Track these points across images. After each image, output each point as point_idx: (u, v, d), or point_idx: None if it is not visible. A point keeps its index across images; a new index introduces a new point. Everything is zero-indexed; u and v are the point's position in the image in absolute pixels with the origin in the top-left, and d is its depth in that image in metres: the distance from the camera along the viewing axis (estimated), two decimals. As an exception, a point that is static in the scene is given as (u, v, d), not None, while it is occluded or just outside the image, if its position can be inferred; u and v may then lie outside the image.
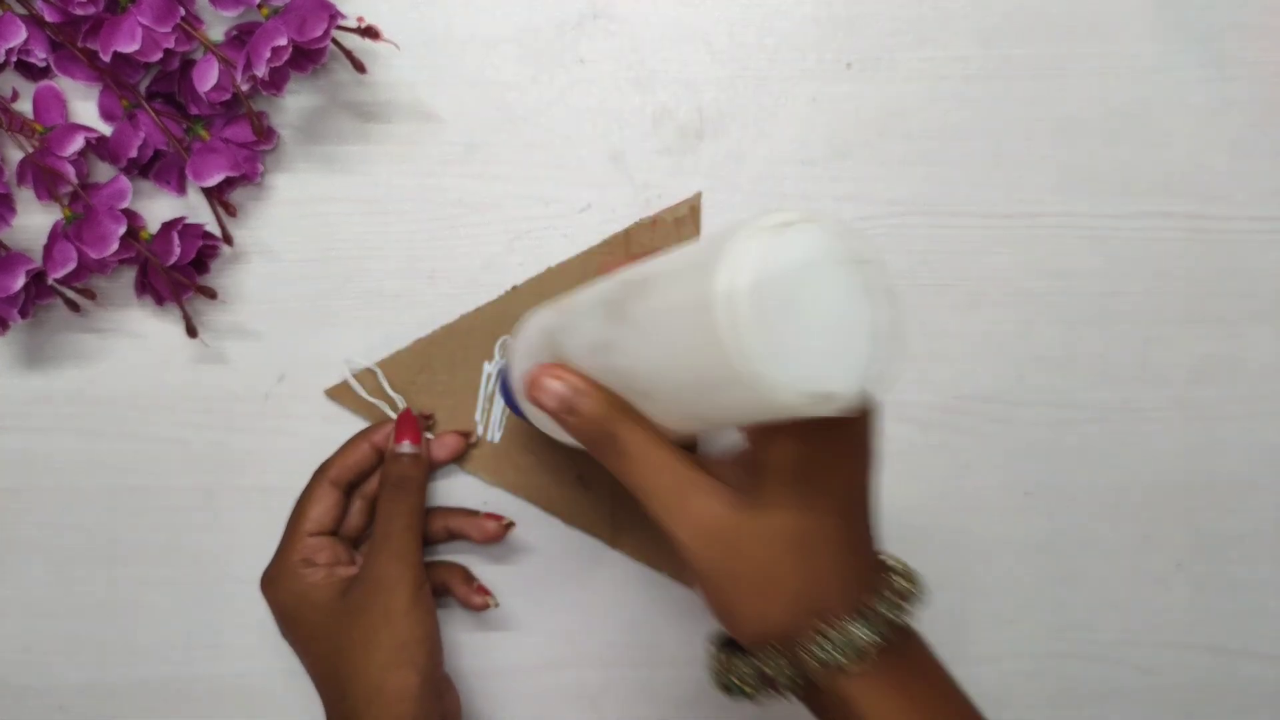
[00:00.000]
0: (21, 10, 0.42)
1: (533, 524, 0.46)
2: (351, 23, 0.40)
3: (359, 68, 0.42)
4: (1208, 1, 0.46)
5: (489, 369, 0.43)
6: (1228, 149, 0.46)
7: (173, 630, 0.46)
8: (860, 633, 0.28)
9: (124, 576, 0.46)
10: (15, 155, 0.44)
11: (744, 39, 0.45)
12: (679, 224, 0.45)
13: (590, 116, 0.45)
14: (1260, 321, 0.46)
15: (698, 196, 0.45)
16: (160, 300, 0.44)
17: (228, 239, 0.44)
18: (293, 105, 0.45)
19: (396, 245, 0.45)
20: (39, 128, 0.42)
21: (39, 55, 0.42)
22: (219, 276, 0.45)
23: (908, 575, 0.30)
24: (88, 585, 0.46)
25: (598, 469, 0.44)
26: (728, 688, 0.31)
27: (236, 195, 0.45)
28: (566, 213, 0.45)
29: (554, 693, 0.46)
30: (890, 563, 0.31)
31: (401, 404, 0.44)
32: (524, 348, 0.36)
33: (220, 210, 0.44)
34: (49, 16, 0.41)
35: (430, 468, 0.44)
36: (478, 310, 0.45)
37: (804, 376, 0.24)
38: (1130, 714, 0.47)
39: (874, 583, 0.30)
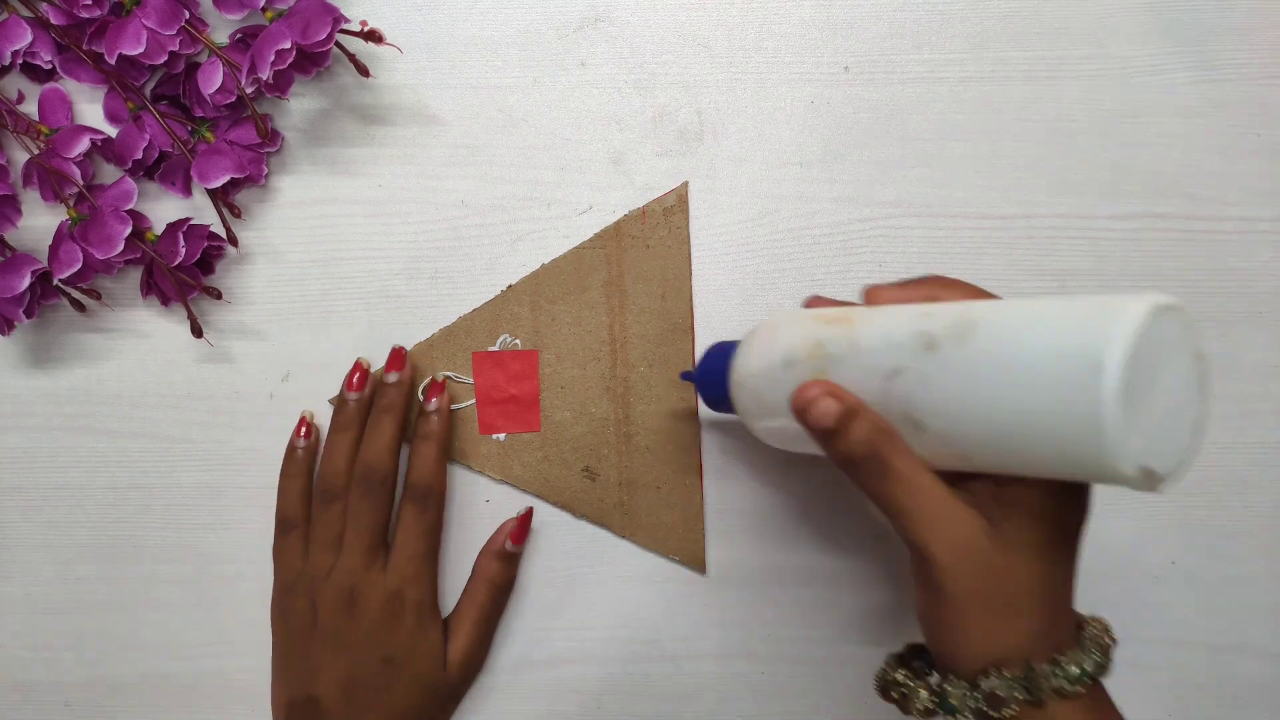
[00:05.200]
0: (27, 13, 0.42)
1: (535, 522, 0.46)
2: (355, 26, 0.41)
3: (362, 71, 0.42)
4: (1198, 4, 0.46)
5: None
6: (1219, 150, 0.46)
7: (177, 627, 0.46)
8: (1089, 665, 0.31)
9: (129, 574, 0.46)
10: (21, 157, 0.44)
11: (743, 42, 0.46)
12: (668, 214, 0.45)
13: (591, 119, 0.46)
14: (1252, 321, 0.47)
15: (685, 186, 0.46)
16: (165, 300, 0.44)
17: (233, 240, 0.45)
18: (297, 108, 0.45)
19: (400, 247, 0.45)
20: (45, 129, 0.43)
21: (44, 57, 0.42)
22: (224, 277, 0.45)
23: (1099, 620, 0.33)
24: (93, 582, 0.46)
25: (604, 460, 0.45)
26: (933, 710, 0.33)
27: (241, 197, 0.45)
28: (568, 214, 0.46)
29: (556, 688, 0.47)
30: (1081, 614, 0.34)
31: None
32: (776, 351, 0.36)
33: (225, 211, 0.44)
34: (54, 19, 0.41)
35: (445, 421, 0.44)
36: (475, 311, 0.45)
37: (1145, 452, 0.26)
38: (1125, 711, 0.47)
39: (1079, 623, 0.33)
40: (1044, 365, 0.26)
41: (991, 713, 0.31)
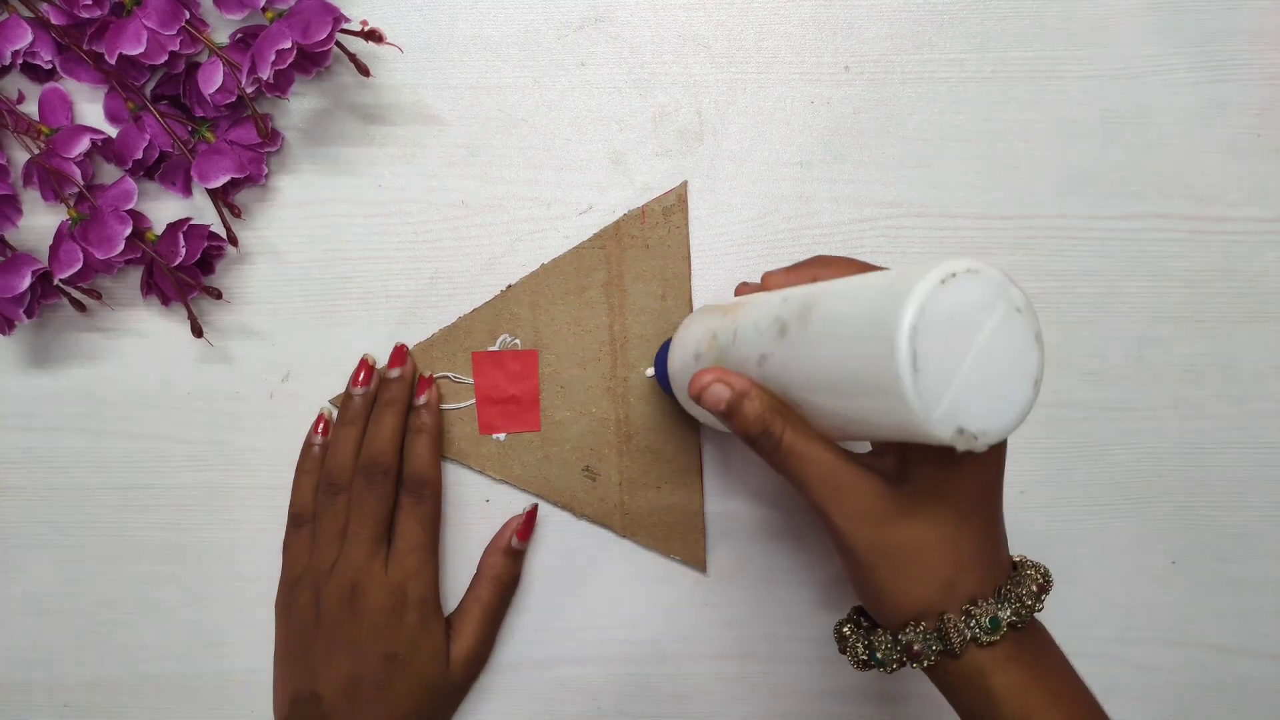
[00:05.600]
0: (27, 13, 0.42)
1: (537, 522, 0.46)
2: (355, 26, 0.41)
3: (363, 71, 0.42)
4: (1202, 5, 0.46)
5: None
6: (1222, 151, 0.46)
7: (178, 627, 0.46)
8: (1001, 613, 0.32)
9: (129, 574, 0.46)
10: (21, 157, 0.44)
11: (743, 42, 0.46)
12: (667, 213, 0.45)
13: (591, 119, 0.46)
14: (1254, 322, 0.47)
15: (684, 185, 0.46)
16: (166, 300, 0.44)
17: (233, 240, 0.45)
18: (297, 108, 0.45)
19: (399, 246, 0.45)
20: (45, 129, 0.43)
21: (45, 57, 0.42)
22: (224, 277, 0.45)
23: (1038, 568, 0.34)
24: (93, 583, 0.46)
25: (604, 460, 0.45)
26: (867, 663, 0.35)
27: (241, 197, 0.45)
28: (568, 214, 0.46)
29: (555, 688, 0.47)
30: (1021, 559, 0.34)
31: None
32: (686, 344, 0.39)
33: (225, 211, 0.44)
34: (55, 19, 0.41)
35: (435, 415, 0.45)
36: (474, 311, 0.45)
37: (959, 414, 0.26)
38: (1126, 711, 0.47)
39: (1009, 573, 0.33)
40: (856, 340, 0.28)
41: (914, 664, 0.33)
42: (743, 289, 0.40)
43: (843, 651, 0.36)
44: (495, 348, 0.45)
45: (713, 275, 0.46)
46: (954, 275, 0.26)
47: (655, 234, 0.45)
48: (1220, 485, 0.47)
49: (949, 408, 0.26)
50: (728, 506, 0.46)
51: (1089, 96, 0.46)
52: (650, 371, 0.45)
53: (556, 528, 0.46)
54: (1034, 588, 0.33)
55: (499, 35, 0.45)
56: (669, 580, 0.46)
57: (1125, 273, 0.46)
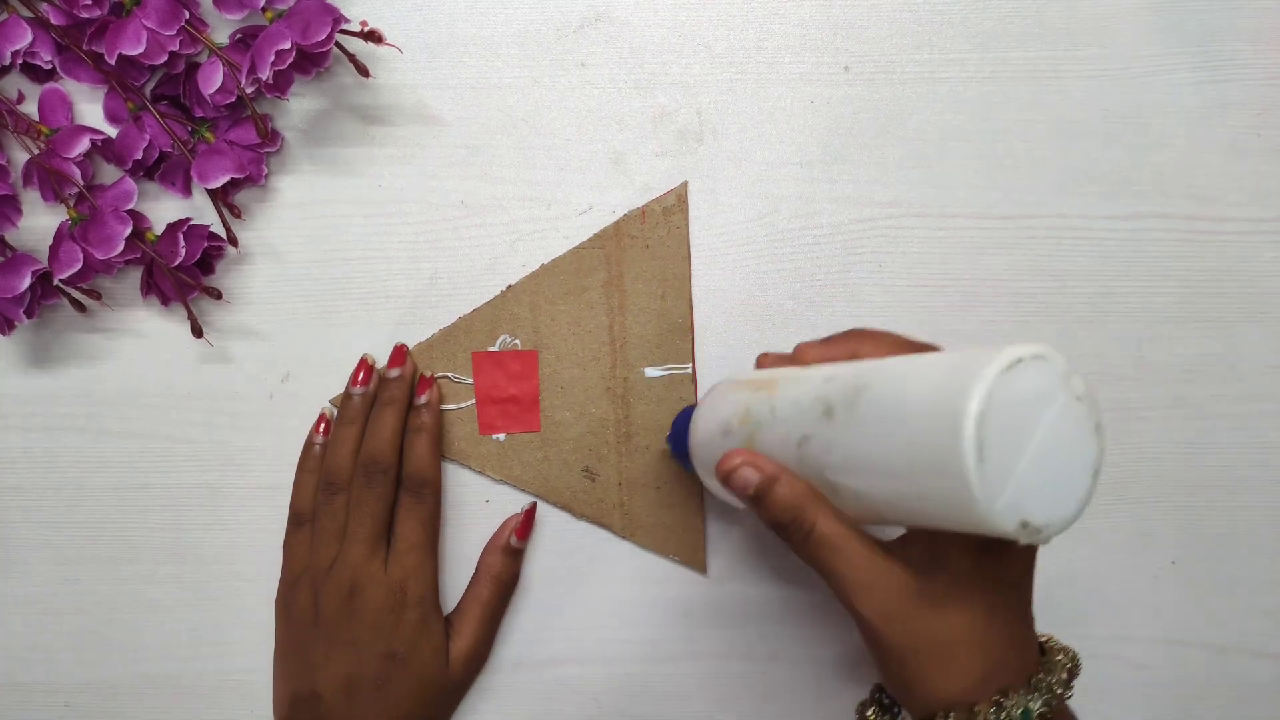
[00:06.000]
0: (27, 13, 0.42)
1: (536, 521, 0.46)
2: (355, 26, 0.41)
3: (362, 71, 0.42)
4: (1202, 4, 0.46)
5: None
6: (1222, 151, 0.46)
7: (178, 627, 0.46)
8: (1032, 704, 0.31)
9: (129, 574, 0.46)
10: (21, 157, 0.44)
11: (743, 43, 0.46)
12: (667, 213, 0.45)
13: (591, 119, 0.46)
14: (1254, 322, 0.47)
15: (684, 186, 0.46)
16: (165, 301, 0.44)
17: (233, 240, 0.45)
18: (297, 108, 0.45)
19: (399, 247, 0.45)
20: (45, 129, 0.43)
21: (44, 58, 0.42)
22: (224, 277, 0.45)
23: (1066, 653, 0.33)
24: (93, 583, 0.46)
25: (604, 460, 0.45)
26: None
27: (241, 197, 0.45)
28: (568, 214, 0.46)
29: (555, 688, 0.47)
30: (1047, 642, 0.34)
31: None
32: (714, 419, 0.37)
33: (225, 212, 0.44)
34: (54, 19, 0.41)
35: (435, 414, 0.45)
36: (474, 311, 0.45)
37: (1021, 506, 0.25)
38: (1124, 711, 0.48)
39: (1038, 660, 0.33)
40: (915, 426, 0.27)
41: None
42: (765, 360, 0.39)
43: None
44: (495, 348, 0.46)
45: (712, 275, 0.46)
46: (1020, 361, 0.25)
47: (655, 234, 0.45)
48: (1220, 485, 0.47)
49: (1012, 498, 0.25)
50: (728, 507, 0.46)
51: (1089, 96, 0.46)
52: (665, 444, 0.45)
53: (556, 528, 0.46)
54: (1064, 675, 0.32)
55: (499, 36, 0.45)
56: (669, 580, 0.47)
57: (1125, 273, 0.46)
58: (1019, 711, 0.31)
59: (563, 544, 0.46)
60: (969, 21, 0.46)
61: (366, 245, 0.45)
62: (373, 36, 0.40)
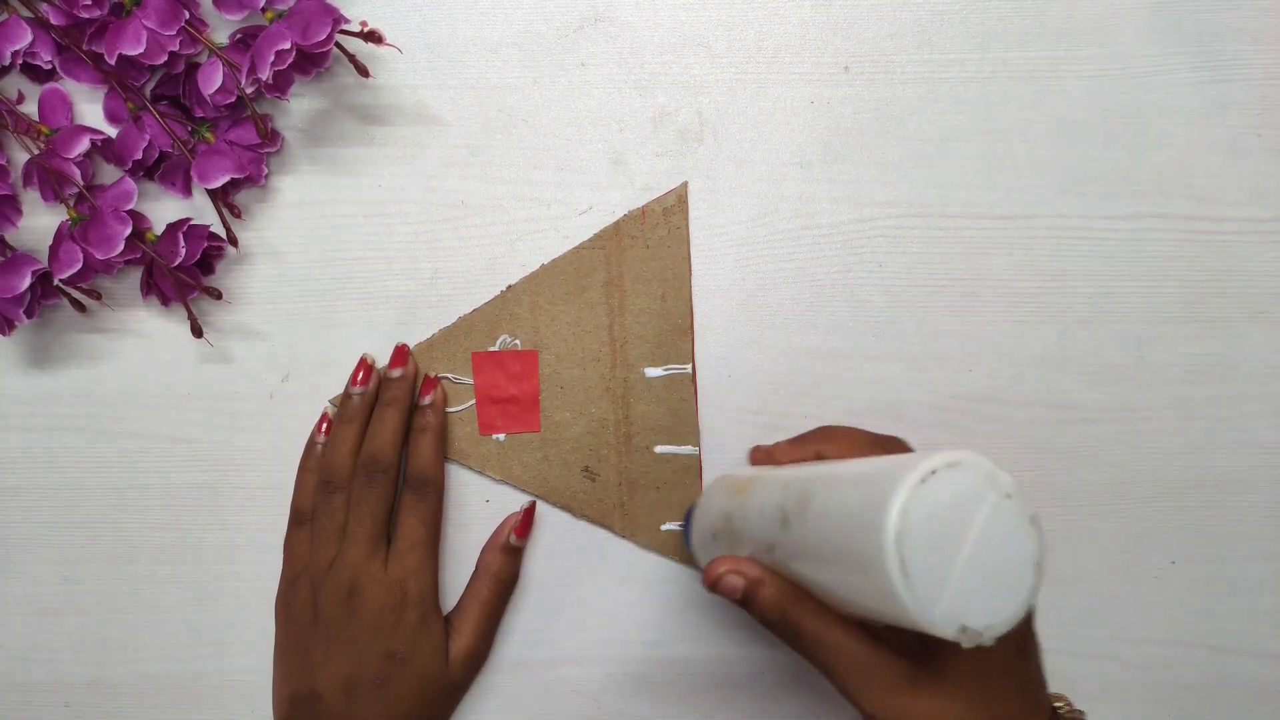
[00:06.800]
0: (27, 13, 0.42)
1: (536, 521, 0.46)
2: (355, 27, 0.41)
3: (362, 71, 0.42)
4: (1203, 4, 0.46)
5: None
6: (1222, 151, 0.46)
7: (177, 627, 0.46)
8: None
9: (129, 574, 0.46)
10: (21, 157, 0.44)
11: (743, 43, 0.46)
12: (667, 214, 0.45)
13: (591, 119, 0.46)
14: (1254, 322, 0.47)
15: (684, 186, 0.46)
16: (165, 301, 0.44)
17: (232, 240, 0.45)
18: (297, 108, 0.45)
19: (399, 247, 0.45)
20: (45, 129, 0.43)
21: (44, 58, 0.42)
22: (224, 277, 0.45)
23: (1073, 713, 0.34)
24: (93, 583, 0.46)
25: (604, 460, 0.45)
26: None
27: (241, 197, 0.45)
28: (567, 214, 0.46)
29: (555, 688, 0.47)
30: (1058, 699, 0.34)
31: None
32: (706, 521, 0.40)
33: (225, 212, 0.44)
34: (54, 19, 0.41)
35: (439, 415, 0.45)
36: (474, 311, 0.45)
37: (962, 612, 0.26)
38: (1124, 711, 0.48)
39: None
40: (848, 543, 0.27)
41: None
42: (756, 453, 0.41)
43: None
44: (495, 348, 0.46)
45: (713, 275, 0.46)
46: (934, 472, 0.26)
47: (655, 234, 0.45)
48: (1220, 485, 0.47)
49: (949, 607, 0.26)
50: (727, 507, 0.46)
51: (1089, 96, 0.46)
52: (677, 525, 0.46)
53: (556, 528, 0.46)
54: None
55: (499, 36, 0.45)
56: (669, 580, 0.47)
57: (1125, 272, 0.46)
58: None
59: (563, 544, 0.46)
60: (969, 21, 0.46)
61: (366, 245, 0.45)
62: (373, 36, 0.40)
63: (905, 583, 0.25)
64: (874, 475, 0.27)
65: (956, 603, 0.26)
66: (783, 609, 0.32)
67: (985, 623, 0.26)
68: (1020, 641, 0.32)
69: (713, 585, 0.34)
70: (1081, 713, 0.34)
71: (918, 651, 0.32)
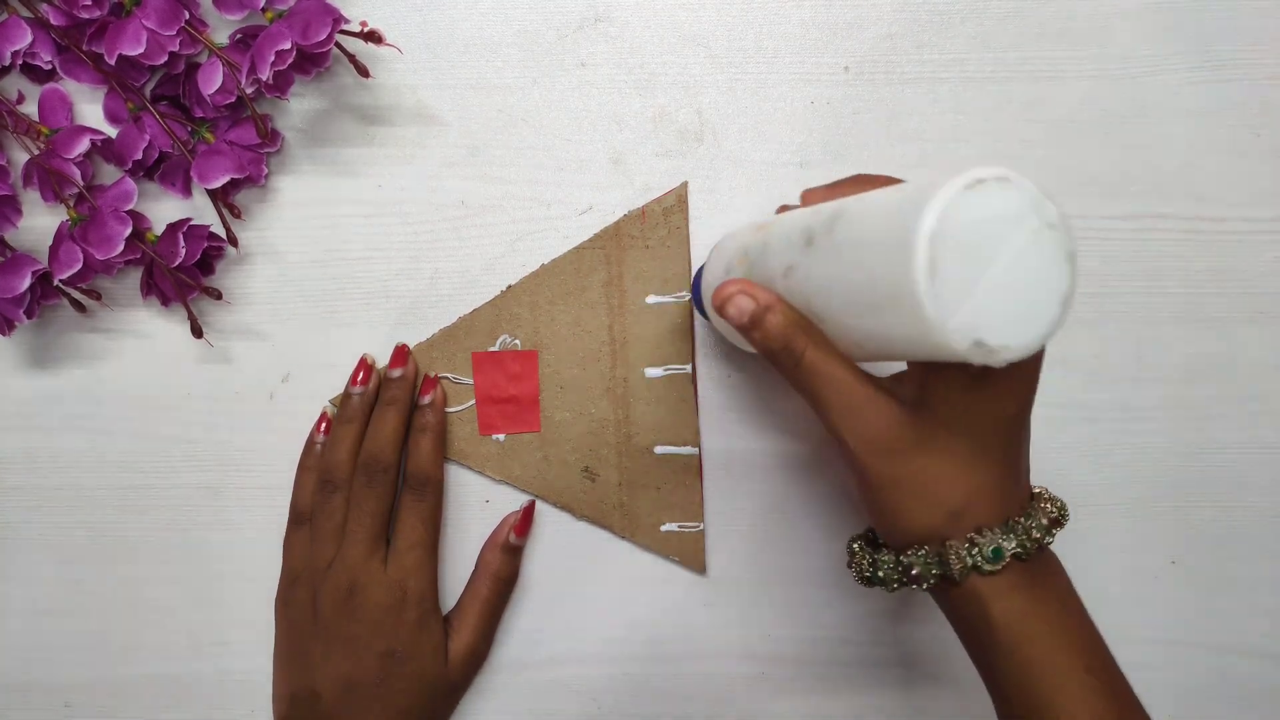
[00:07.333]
0: (27, 13, 0.42)
1: (535, 521, 0.46)
2: (355, 27, 0.41)
3: (362, 71, 0.42)
4: (1202, 5, 0.46)
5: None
6: (1222, 151, 0.46)
7: (178, 627, 0.46)
8: (1008, 544, 0.32)
9: (129, 574, 0.46)
10: (21, 157, 0.44)
11: (743, 43, 0.46)
12: (667, 214, 0.45)
13: (591, 119, 0.46)
14: (1253, 322, 0.47)
15: (684, 186, 0.46)
16: (165, 301, 0.44)
17: (232, 240, 0.45)
18: (297, 108, 0.45)
19: (399, 247, 0.45)
20: (45, 130, 0.43)
21: (44, 58, 0.42)
22: (224, 277, 0.45)
23: (1054, 502, 0.34)
24: (93, 583, 0.46)
25: (604, 460, 0.45)
26: (870, 580, 0.35)
27: (241, 197, 0.45)
28: (567, 214, 0.46)
29: (555, 688, 0.47)
30: (1040, 491, 0.34)
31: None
32: (720, 262, 0.38)
33: (225, 212, 0.44)
34: (54, 20, 0.41)
35: (439, 414, 0.45)
36: (474, 311, 0.45)
37: (978, 326, 0.25)
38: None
39: (1024, 505, 0.33)
40: (876, 245, 0.27)
41: (914, 586, 0.33)
42: (784, 210, 0.39)
43: (849, 566, 0.36)
44: (495, 348, 0.46)
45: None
46: (981, 182, 0.25)
47: (655, 234, 0.45)
48: (1220, 485, 0.47)
49: (967, 319, 0.25)
50: (727, 507, 0.46)
51: (1089, 96, 0.46)
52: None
53: (556, 528, 0.46)
54: (1044, 520, 0.32)
55: (499, 36, 0.45)
56: (668, 581, 0.47)
57: (1125, 272, 0.46)
58: (990, 549, 0.31)
59: (563, 544, 0.46)
60: (969, 21, 0.46)
61: (366, 245, 0.45)
62: (373, 36, 0.40)
63: (930, 284, 0.25)
64: (914, 187, 0.27)
65: (976, 315, 0.25)
66: (788, 336, 0.32)
67: (1001, 342, 0.25)
68: (1014, 413, 0.32)
69: (721, 305, 0.33)
70: (1062, 503, 0.34)
71: (914, 407, 0.31)
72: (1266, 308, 0.47)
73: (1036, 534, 0.32)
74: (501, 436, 0.46)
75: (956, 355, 0.26)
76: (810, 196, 0.37)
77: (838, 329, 0.31)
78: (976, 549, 0.31)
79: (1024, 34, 0.46)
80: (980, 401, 0.31)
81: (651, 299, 0.45)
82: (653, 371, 0.45)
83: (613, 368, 0.46)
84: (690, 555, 0.46)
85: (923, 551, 0.32)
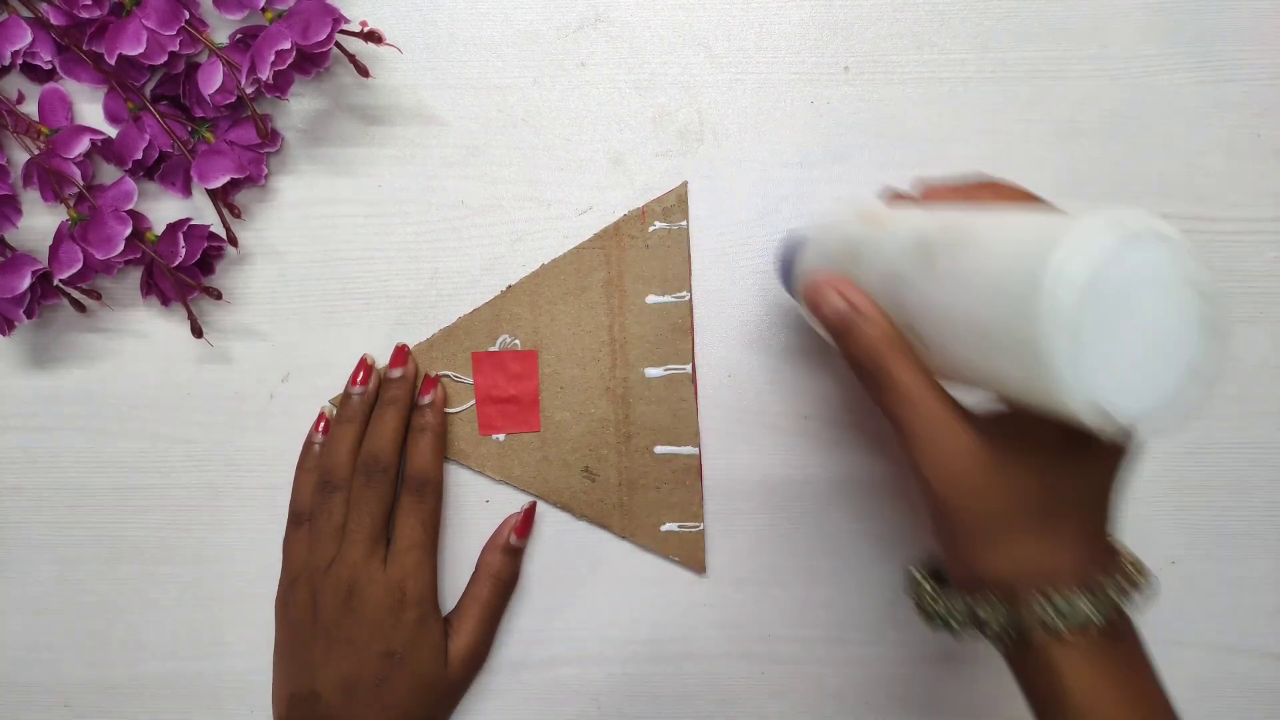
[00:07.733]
0: (27, 13, 0.42)
1: (536, 521, 0.46)
2: (355, 27, 0.41)
3: (362, 71, 0.42)
4: (1202, 5, 0.46)
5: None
6: (1222, 151, 0.46)
7: (177, 627, 0.46)
8: (1086, 607, 0.29)
9: (129, 574, 0.46)
10: (21, 157, 0.44)
11: (743, 43, 0.46)
12: (667, 213, 0.45)
13: (591, 119, 0.46)
14: (1253, 322, 0.47)
15: (684, 186, 0.46)
16: (165, 301, 0.44)
17: (232, 240, 0.45)
18: (297, 108, 0.45)
19: (399, 247, 0.45)
20: (45, 130, 0.43)
21: (44, 58, 0.42)
22: (224, 277, 0.45)
23: (1138, 566, 0.31)
24: (93, 583, 0.46)
25: (604, 460, 0.45)
26: (933, 617, 0.32)
27: (241, 197, 0.45)
28: (567, 214, 0.46)
29: (555, 688, 0.47)
30: (1123, 552, 0.32)
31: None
32: (821, 246, 0.35)
33: (225, 212, 0.44)
34: (54, 19, 0.41)
35: (439, 414, 0.45)
36: (474, 311, 0.45)
37: (1109, 398, 0.23)
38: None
39: (1106, 565, 0.30)
40: (1011, 292, 0.24)
41: (980, 630, 0.31)
42: (896, 200, 0.36)
43: (908, 593, 0.34)
44: (495, 348, 0.46)
45: (712, 275, 0.46)
46: (1137, 238, 0.23)
47: (655, 234, 0.45)
48: (1220, 485, 0.47)
49: (1098, 388, 0.23)
50: (727, 507, 0.46)
51: (1089, 96, 0.46)
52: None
53: (556, 528, 0.46)
54: (1124, 583, 0.30)
55: (499, 36, 0.45)
56: (668, 581, 0.47)
57: (1125, 273, 0.46)
58: (1065, 605, 0.29)
59: (563, 544, 0.46)
60: (969, 21, 0.46)
61: (366, 245, 0.45)
62: (373, 36, 0.40)
63: (1071, 348, 0.22)
64: (1057, 227, 0.24)
65: (1109, 387, 0.22)
66: (880, 352, 0.29)
67: (1129, 418, 0.23)
68: (1106, 473, 0.30)
69: (814, 298, 0.30)
70: (1144, 567, 0.31)
71: (1003, 446, 0.29)
72: (1266, 308, 0.47)
73: (1114, 595, 0.30)
74: (501, 436, 0.46)
75: (1075, 419, 0.23)
76: (931, 194, 0.34)
77: (940, 352, 0.29)
78: (1052, 606, 0.29)
79: (1024, 34, 0.46)
80: (1072, 453, 0.29)
81: (651, 299, 0.45)
82: (653, 371, 0.45)
83: (613, 368, 0.46)
84: (690, 555, 0.46)
85: (990, 598, 0.30)
